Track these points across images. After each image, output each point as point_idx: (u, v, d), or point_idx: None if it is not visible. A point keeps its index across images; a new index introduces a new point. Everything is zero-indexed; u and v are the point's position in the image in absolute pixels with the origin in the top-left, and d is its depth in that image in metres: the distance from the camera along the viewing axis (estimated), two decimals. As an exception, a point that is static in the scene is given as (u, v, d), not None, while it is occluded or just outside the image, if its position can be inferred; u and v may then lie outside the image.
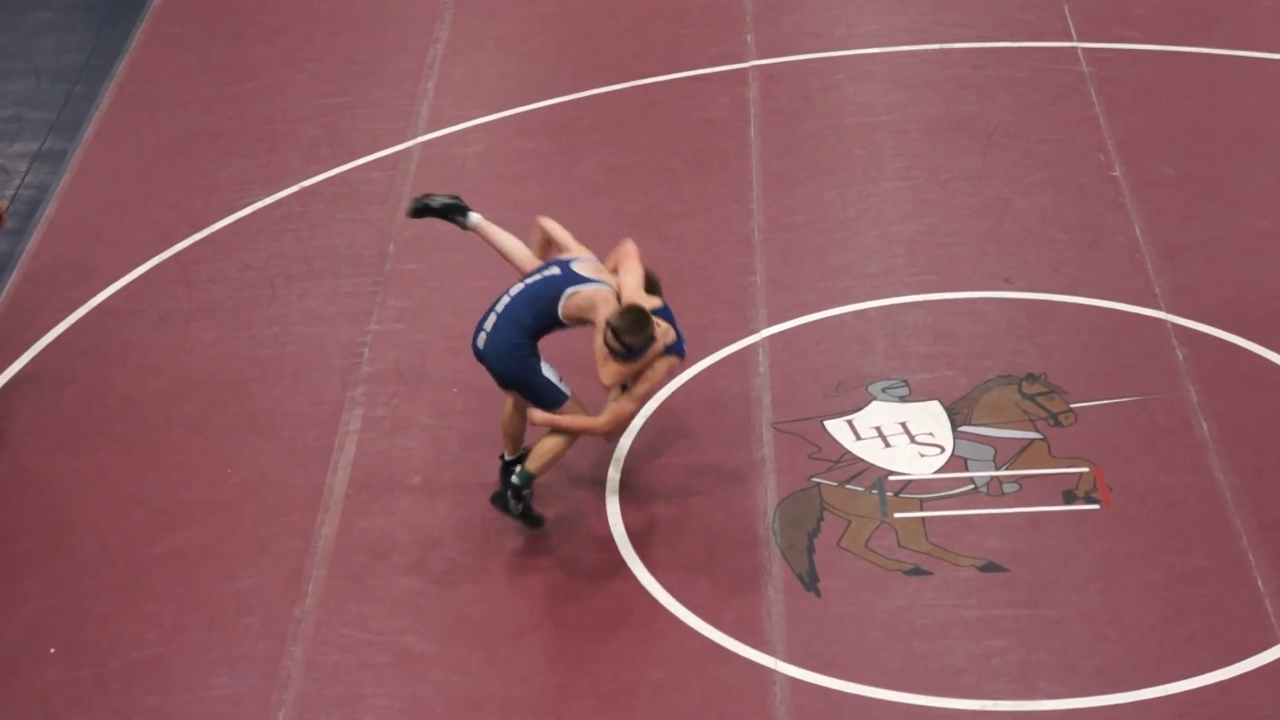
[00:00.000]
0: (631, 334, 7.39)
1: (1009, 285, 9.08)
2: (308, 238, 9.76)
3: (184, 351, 8.95)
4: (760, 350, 8.78)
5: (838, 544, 7.68)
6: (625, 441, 8.28)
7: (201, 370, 8.79)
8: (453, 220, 8.12)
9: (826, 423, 8.27)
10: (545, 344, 7.73)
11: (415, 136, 10.39)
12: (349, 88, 10.77)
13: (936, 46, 10.77)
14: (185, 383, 8.74)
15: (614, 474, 8.10)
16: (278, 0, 11.69)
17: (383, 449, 8.36)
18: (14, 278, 9.49)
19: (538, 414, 7.55)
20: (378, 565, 7.73)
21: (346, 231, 9.77)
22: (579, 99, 10.62)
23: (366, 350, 8.97)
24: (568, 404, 7.61)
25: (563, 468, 8.15)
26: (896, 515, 7.82)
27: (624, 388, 7.60)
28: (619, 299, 7.55)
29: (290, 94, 10.76)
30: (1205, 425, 8.10)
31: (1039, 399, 8.35)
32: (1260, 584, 7.29)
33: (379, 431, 8.46)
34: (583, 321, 7.63)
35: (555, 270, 7.75)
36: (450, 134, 10.42)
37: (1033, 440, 8.13)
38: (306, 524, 7.95)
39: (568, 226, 9.75)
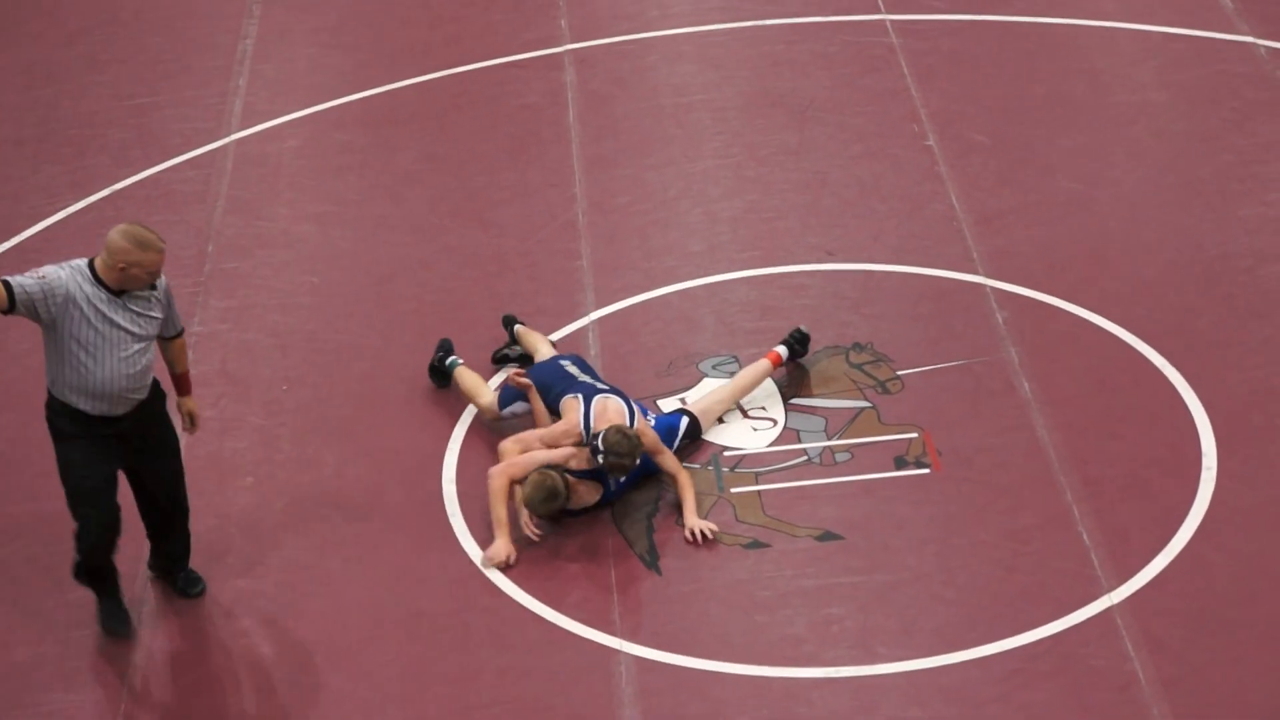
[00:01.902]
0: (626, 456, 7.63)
1: (831, 257, 9.24)
2: (123, 240, 9.61)
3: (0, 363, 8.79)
4: (590, 333, 8.84)
5: (677, 522, 7.76)
6: (459, 431, 8.30)
7: (19, 381, 8.63)
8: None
9: (660, 402, 8.36)
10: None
11: (229, 134, 10.28)
12: (157, 88, 10.63)
13: (749, 24, 10.91)
14: (2, 394, 8.57)
15: (450, 463, 8.12)
16: (77, 1, 11.48)
17: (213, 450, 8.28)
18: None
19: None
20: (213, 569, 7.66)
21: (163, 233, 9.55)
22: (395, 89, 10.59)
23: (191, 352, 8.84)
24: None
25: (398, 461, 8.14)
26: (733, 490, 7.94)
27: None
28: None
29: (96, 96, 10.59)
30: (1027, 385, 8.33)
31: (866, 368, 8.52)
32: (1085, 538, 7.52)
33: (207, 434, 8.36)
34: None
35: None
36: (265, 130, 10.33)
37: (862, 409, 8.29)
38: (140, 528, 7.83)
39: (389, 218, 9.74)
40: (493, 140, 10.19)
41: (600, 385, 8.00)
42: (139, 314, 6.85)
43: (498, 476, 7.64)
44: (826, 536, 7.67)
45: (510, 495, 7.64)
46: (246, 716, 7.00)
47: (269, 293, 9.25)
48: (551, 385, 8.04)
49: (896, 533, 7.64)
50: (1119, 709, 6.77)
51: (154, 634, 7.36)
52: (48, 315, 6.72)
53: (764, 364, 8.34)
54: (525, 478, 7.62)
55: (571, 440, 7.78)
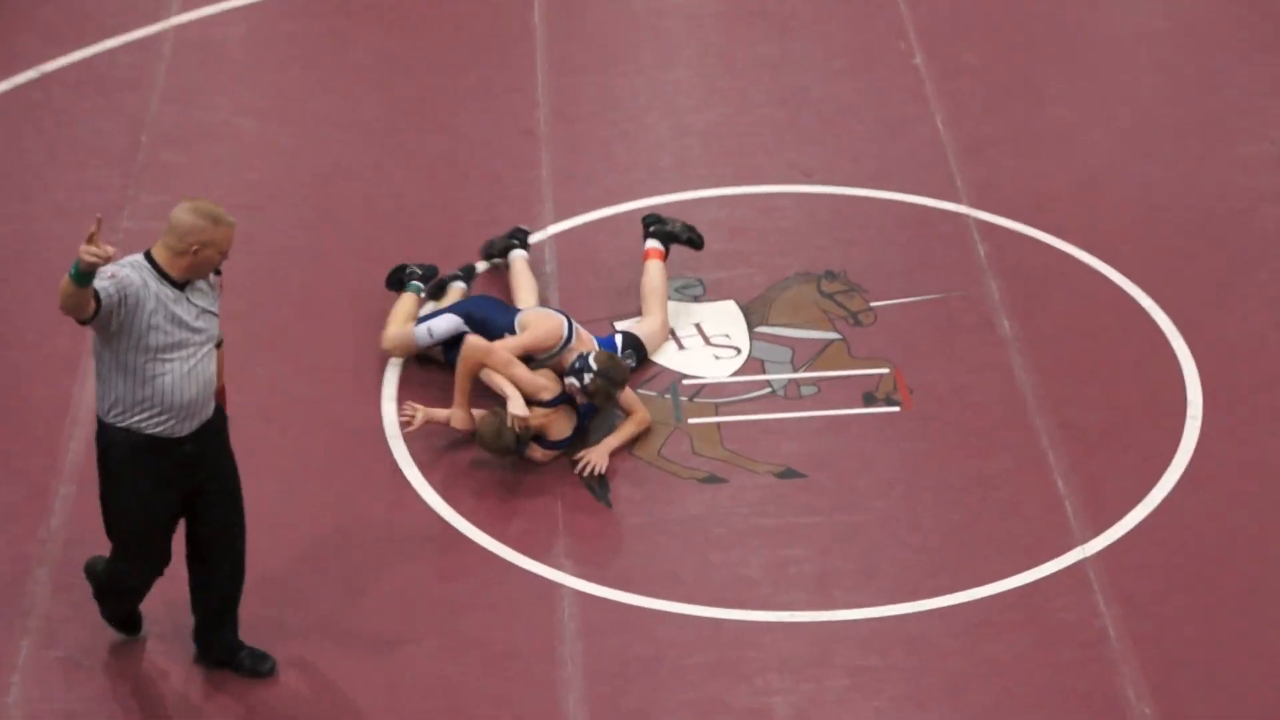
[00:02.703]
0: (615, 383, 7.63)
1: (808, 179, 9.19)
2: (50, 127, 9.49)
3: (-86, 252, 8.70)
4: (546, 249, 8.78)
5: (629, 452, 7.74)
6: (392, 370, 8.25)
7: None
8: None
9: (617, 324, 8.31)
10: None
11: (169, 17, 10.14)
12: (93, -38, 10.48)
13: (731, -73, 10.81)
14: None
15: (391, 380, 8.07)
16: None
17: (138, 356, 8.20)
18: None
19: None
20: (134, 481, 7.60)
21: (93, 120, 9.52)
22: (349, -21, 10.46)
23: (117, 250, 8.75)
24: None
25: (335, 378, 8.09)
26: (691, 421, 7.91)
27: None
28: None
29: (27, -31, 10.43)
30: (1007, 323, 8.32)
31: (838, 297, 8.49)
32: (1060, 485, 7.53)
33: (133, 337, 8.28)
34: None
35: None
36: (209, 15, 10.19)
37: (831, 340, 8.27)
38: (53, 437, 7.78)
39: (337, 117, 9.65)
40: (453, 39, 10.08)
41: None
42: (204, 310, 6.29)
43: (475, 354, 7.61)
44: (788, 474, 7.66)
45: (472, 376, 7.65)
46: (163, 640, 6.95)
47: (205, 189, 9.11)
48: (494, 316, 7.93)
49: (862, 473, 7.63)
50: (1087, 665, 6.79)
51: (59, 549, 7.31)
52: (115, 324, 6.10)
53: (655, 265, 8.34)
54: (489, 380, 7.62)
55: (549, 345, 7.73)
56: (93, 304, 6.06)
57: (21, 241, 8.80)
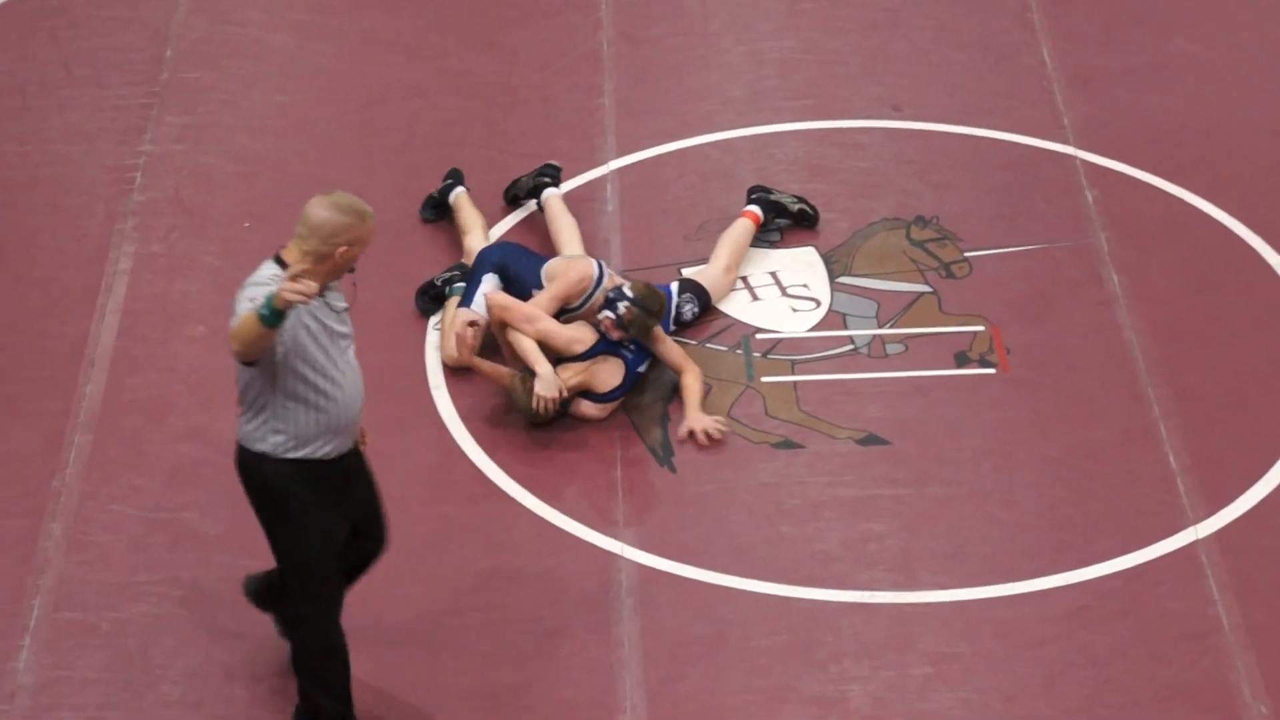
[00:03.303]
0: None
1: (897, 113, 9.23)
2: (65, 38, 9.61)
3: (-84, 174, 8.85)
4: (608, 185, 8.86)
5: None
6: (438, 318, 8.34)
7: (-63, 197, 8.68)
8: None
9: (684, 271, 8.39)
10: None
11: (197, -80, 10.24)
12: None
13: None
14: (-83, 212, 8.64)
15: (434, 334, 8.17)
16: None
17: (159, 292, 8.33)
18: None
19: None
20: (153, 430, 7.74)
21: (113, 32, 9.64)
22: (395, -120, 10.52)
23: (139, 175, 8.90)
24: None
25: (374, 321, 8.19)
26: (764, 379, 7.99)
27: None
28: None
29: None
30: (1116, 279, 8.35)
31: (929, 246, 8.54)
32: (1172, 460, 7.58)
33: (154, 272, 8.42)
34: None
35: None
36: (239, -82, 10.28)
37: (921, 294, 8.33)
38: (67, 381, 7.92)
39: (379, 33, 9.72)
40: (507, -51, 10.15)
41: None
42: (342, 310, 6.22)
43: (494, 312, 7.75)
44: (870, 440, 7.73)
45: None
46: (185, 603, 7.10)
47: (234, 111, 9.25)
48: (522, 267, 7.96)
49: (951, 441, 7.70)
50: (1197, 659, 6.86)
51: (75, 502, 7.45)
52: (280, 353, 6.03)
53: (744, 223, 8.39)
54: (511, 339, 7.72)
55: (580, 292, 7.83)
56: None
57: (33, 166, 8.93)
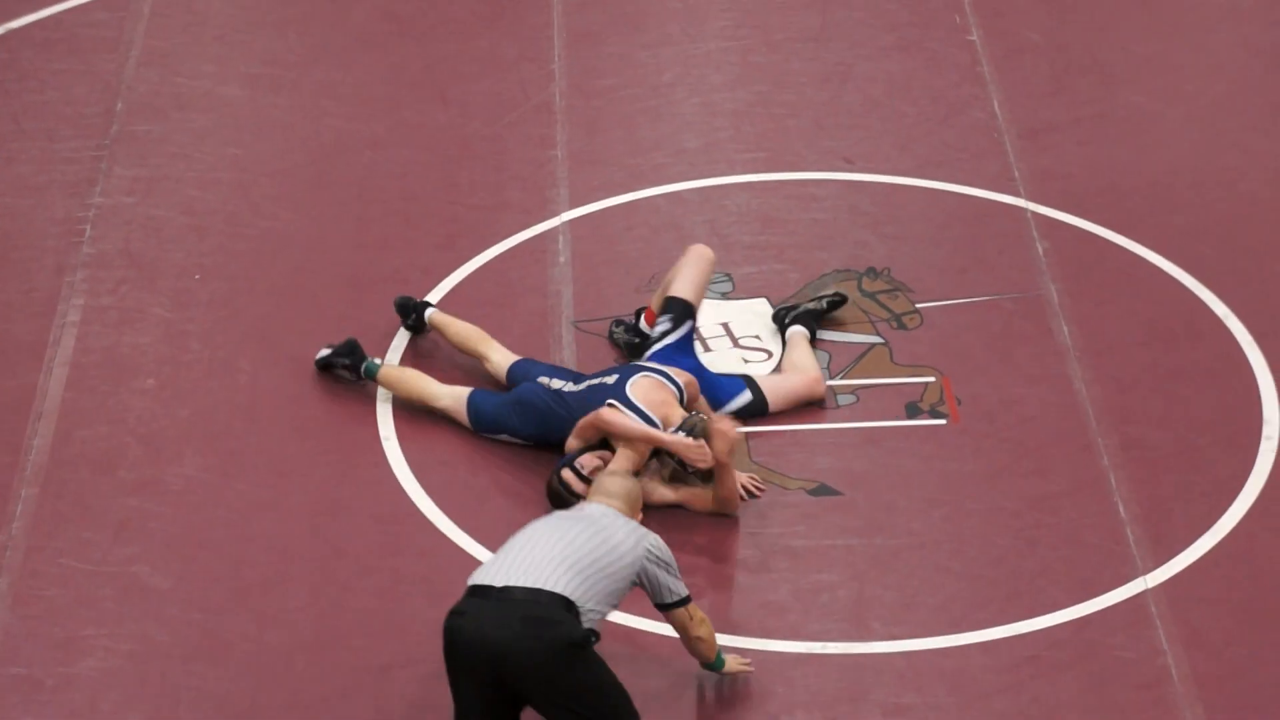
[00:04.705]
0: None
1: (849, 166, 9.28)
2: (15, 91, 9.63)
3: None
4: (560, 236, 8.89)
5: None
6: (399, 341, 8.36)
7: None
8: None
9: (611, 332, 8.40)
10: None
11: (149, -28, 10.28)
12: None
13: (772, -116, 10.91)
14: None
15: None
16: None
17: (108, 345, 8.33)
18: None
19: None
20: (101, 483, 7.73)
21: (64, 85, 9.65)
22: (349, -66, 10.58)
23: (89, 228, 8.90)
24: None
25: (333, 382, 8.19)
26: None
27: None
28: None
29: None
30: (1067, 330, 8.41)
31: (881, 298, 8.59)
32: (1121, 510, 7.62)
33: (104, 325, 8.42)
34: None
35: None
36: (192, -29, 10.32)
37: (873, 345, 8.37)
38: (14, 434, 7.91)
39: (334, 86, 9.75)
40: (462, 2, 10.19)
41: (599, 376, 7.78)
42: None
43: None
44: (821, 490, 7.76)
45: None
46: (134, 658, 7.08)
47: (185, 164, 9.27)
48: (546, 414, 7.72)
49: (902, 491, 7.73)
50: (1146, 708, 6.89)
51: (20, 557, 7.43)
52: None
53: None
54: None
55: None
56: None
57: (-18, 217, 8.95)
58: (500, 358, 8.04)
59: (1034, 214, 8.98)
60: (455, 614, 6.36)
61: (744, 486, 7.64)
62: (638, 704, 6.55)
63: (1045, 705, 6.91)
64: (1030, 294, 8.58)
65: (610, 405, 7.57)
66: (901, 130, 9.47)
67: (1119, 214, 8.95)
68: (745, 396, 7.92)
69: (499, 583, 6.35)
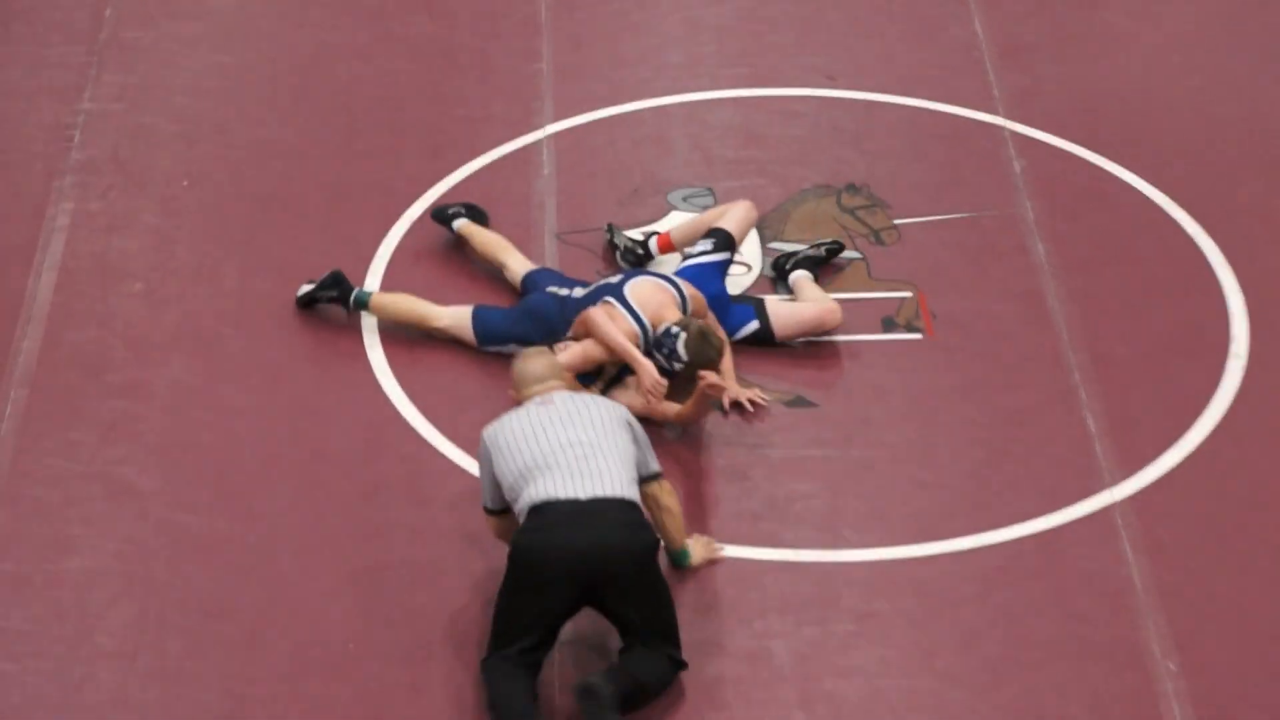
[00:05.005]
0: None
1: (831, 82, 9.31)
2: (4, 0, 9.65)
3: None
4: (544, 149, 8.92)
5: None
6: (385, 249, 8.41)
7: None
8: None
9: (610, 235, 8.46)
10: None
11: (138, -120, 10.24)
12: None
13: None
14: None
15: (372, 285, 8.23)
16: None
17: (97, 249, 8.37)
18: None
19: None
20: (89, 385, 7.79)
21: (54, -9, 9.66)
22: None
23: (77, 133, 8.92)
24: None
25: (311, 279, 8.23)
26: (693, 341, 8.06)
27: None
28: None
29: None
30: (1042, 247, 8.47)
31: (860, 213, 8.64)
32: (1090, 423, 7.71)
33: (92, 229, 8.46)
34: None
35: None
36: (181, -121, 10.28)
37: (851, 260, 8.43)
38: (3, 337, 7.95)
39: (321, -5, 9.64)
40: (447, -87, 10.19)
41: (607, 277, 7.85)
42: None
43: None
44: (798, 402, 7.84)
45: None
46: (121, 557, 7.15)
47: (174, 71, 9.28)
48: (554, 321, 7.76)
49: (877, 404, 7.81)
50: (1110, 617, 6.98)
51: (9, 457, 7.50)
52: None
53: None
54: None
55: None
56: None
57: (-28, 122, 8.97)
58: (518, 265, 8.10)
59: (1011, 132, 9.03)
60: (550, 529, 6.54)
61: (749, 400, 7.71)
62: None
63: (1012, 613, 7.01)
64: (1006, 211, 8.63)
65: (605, 302, 7.64)
66: (883, 47, 9.49)
67: (1095, 133, 8.99)
68: (752, 325, 7.97)
69: (584, 495, 6.57)
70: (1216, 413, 7.71)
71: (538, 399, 6.85)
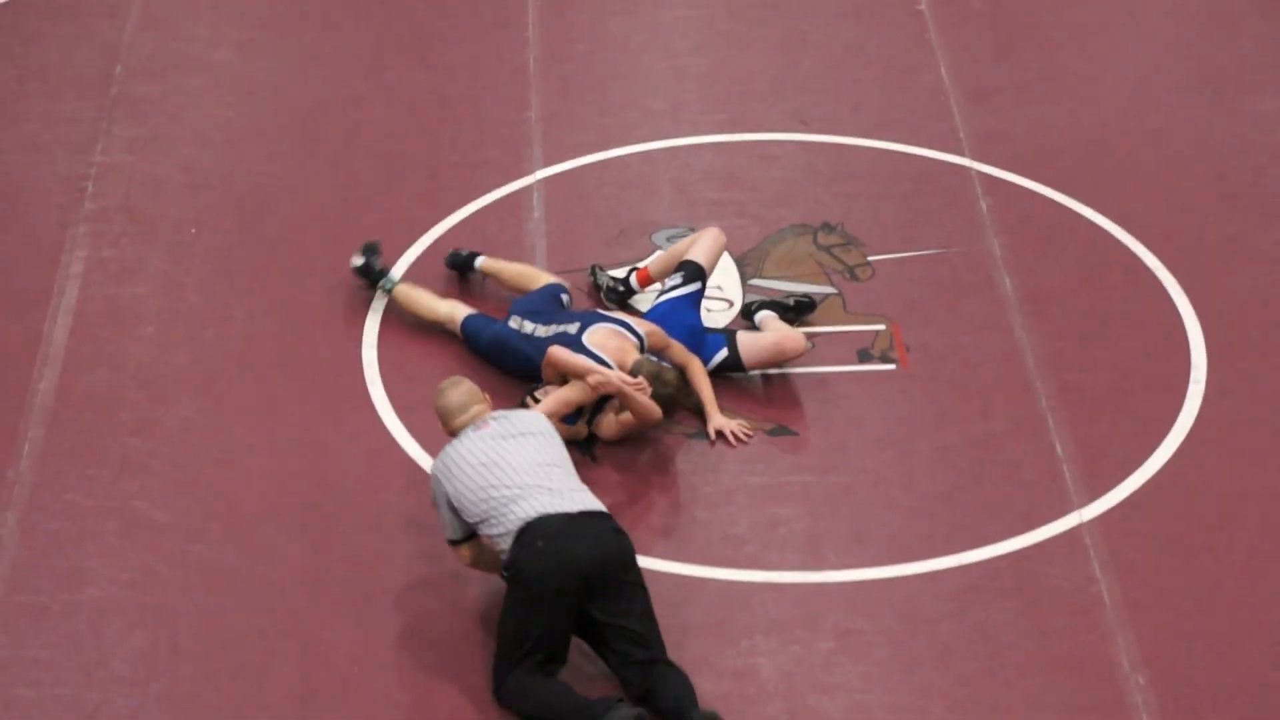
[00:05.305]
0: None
1: (806, 127, 9.31)
2: (20, 54, 9.60)
3: (-122, 182, 8.81)
4: (535, 193, 8.90)
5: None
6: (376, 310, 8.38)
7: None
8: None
9: (594, 275, 8.43)
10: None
11: (146, -58, 10.23)
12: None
13: None
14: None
15: (372, 326, 8.20)
16: None
17: (109, 295, 8.34)
18: None
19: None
20: (103, 424, 7.75)
21: (66, 48, 9.63)
22: (334, -94, 10.54)
23: (90, 184, 8.90)
24: None
25: (314, 319, 8.22)
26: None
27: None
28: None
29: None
30: (1008, 281, 8.46)
31: (835, 251, 8.63)
32: (1059, 448, 7.68)
33: (105, 275, 8.43)
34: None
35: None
36: (186, -58, 10.28)
37: (827, 294, 8.41)
38: (21, 378, 7.91)
39: (320, 50, 9.74)
40: (440, -29, 10.18)
41: (566, 320, 7.81)
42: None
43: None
44: (778, 431, 7.81)
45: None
46: (135, 587, 7.11)
47: (181, 124, 9.26)
48: (519, 356, 7.79)
49: (854, 432, 7.78)
50: (1080, 633, 6.96)
51: (28, 493, 7.45)
52: None
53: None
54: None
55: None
56: None
57: (-10, 174, 8.94)
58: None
59: (978, 172, 9.02)
60: (551, 541, 6.56)
61: (732, 433, 7.69)
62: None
63: (986, 630, 6.99)
64: (974, 248, 8.62)
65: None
66: (854, 93, 9.49)
67: (1057, 172, 8.99)
68: (722, 353, 7.94)
69: (574, 509, 6.63)
70: (1178, 437, 7.70)
71: (471, 427, 6.85)
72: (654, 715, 6.58)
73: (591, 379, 7.46)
